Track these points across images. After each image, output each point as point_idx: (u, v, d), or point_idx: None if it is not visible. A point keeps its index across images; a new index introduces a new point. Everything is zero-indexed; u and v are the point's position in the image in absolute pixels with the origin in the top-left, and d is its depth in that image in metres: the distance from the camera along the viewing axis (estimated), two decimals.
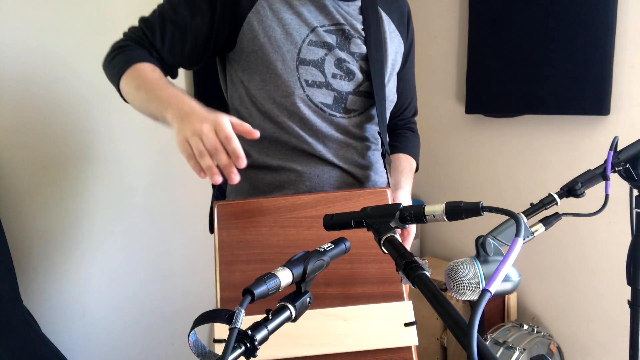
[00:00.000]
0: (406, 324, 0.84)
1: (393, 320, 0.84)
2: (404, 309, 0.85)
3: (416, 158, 1.21)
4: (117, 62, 0.96)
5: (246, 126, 0.81)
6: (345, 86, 1.00)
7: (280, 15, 0.96)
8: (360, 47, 1.02)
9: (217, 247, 0.88)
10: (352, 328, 0.84)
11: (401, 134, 1.23)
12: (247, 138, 0.82)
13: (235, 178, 0.79)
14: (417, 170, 1.22)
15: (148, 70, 0.93)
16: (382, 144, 1.07)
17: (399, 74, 1.13)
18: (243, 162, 0.78)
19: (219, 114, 0.80)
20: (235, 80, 1.03)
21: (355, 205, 0.91)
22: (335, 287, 0.86)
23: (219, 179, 0.79)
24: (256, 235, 0.88)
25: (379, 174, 1.08)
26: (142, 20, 1.02)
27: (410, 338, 0.84)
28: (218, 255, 0.88)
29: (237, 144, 0.78)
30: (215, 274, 0.87)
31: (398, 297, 0.86)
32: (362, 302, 0.86)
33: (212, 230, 0.93)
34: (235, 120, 0.81)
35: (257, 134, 0.82)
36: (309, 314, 0.82)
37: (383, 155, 1.09)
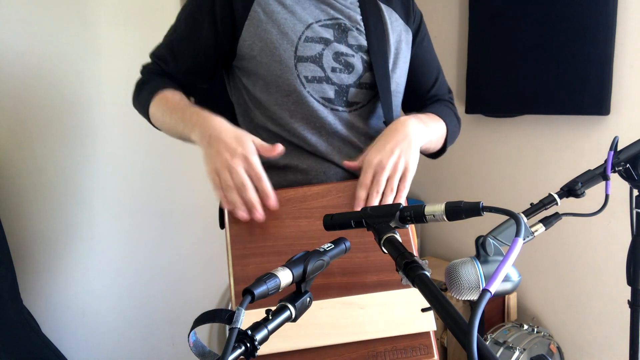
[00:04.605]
0: (423, 310, 0.84)
1: (410, 307, 0.84)
2: (420, 295, 0.85)
3: (443, 118, 1.07)
4: (143, 96, 1.03)
5: (267, 146, 0.88)
6: (346, 79, 1.00)
7: (274, 16, 0.97)
8: (358, 39, 1.02)
9: (229, 241, 0.88)
10: (369, 316, 0.84)
11: (427, 105, 1.16)
12: (274, 155, 0.88)
13: (260, 217, 0.86)
14: (449, 140, 1.09)
15: (169, 96, 0.99)
16: None
17: (413, 54, 1.12)
18: (272, 202, 0.87)
19: (244, 137, 0.87)
20: (240, 87, 1.05)
21: None
22: (351, 276, 0.86)
23: (244, 215, 0.86)
24: (268, 228, 0.88)
25: None
26: (153, 55, 1.09)
27: (427, 323, 0.84)
28: (230, 249, 0.88)
29: (267, 184, 0.85)
30: (228, 268, 0.87)
31: None
32: (378, 289, 0.85)
33: (222, 226, 0.93)
34: (258, 142, 0.88)
35: (279, 147, 0.88)
36: (325, 303, 0.82)
37: None
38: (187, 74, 1.05)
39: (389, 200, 0.89)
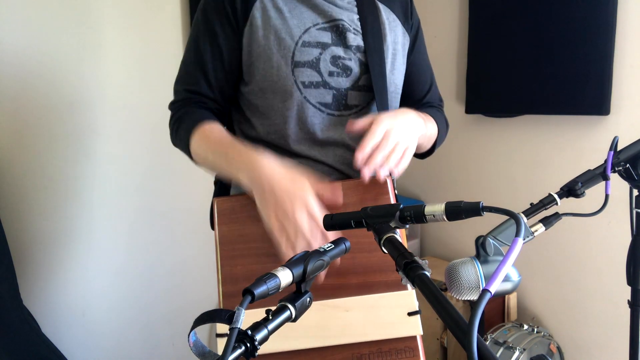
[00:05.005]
0: (410, 313, 0.83)
1: (396, 310, 0.83)
2: (408, 298, 0.84)
3: (436, 120, 1.09)
4: (181, 135, 0.99)
5: (327, 195, 0.85)
6: (344, 82, 1.00)
7: (272, 22, 0.96)
8: (356, 40, 1.01)
9: (218, 242, 0.88)
10: (354, 319, 0.83)
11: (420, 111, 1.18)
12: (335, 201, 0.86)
13: None
14: (438, 141, 1.11)
15: (208, 131, 0.95)
16: None
17: (408, 61, 1.12)
18: None
19: (300, 181, 0.83)
20: (237, 94, 1.04)
21: (356, 194, 0.90)
22: (337, 277, 0.85)
23: None
24: (256, 229, 0.88)
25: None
26: (179, 84, 1.04)
27: (414, 327, 0.83)
28: (219, 250, 0.88)
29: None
30: (216, 268, 0.87)
31: (402, 285, 0.85)
32: (365, 291, 0.85)
33: (213, 227, 0.93)
34: (315, 185, 0.84)
35: (341, 199, 0.87)
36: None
37: None
38: (221, 89, 1.01)
39: (393, 161, 0.87)
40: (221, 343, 0.81)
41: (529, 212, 0.87)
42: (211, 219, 0.99)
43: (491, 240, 0.77)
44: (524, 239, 0.62)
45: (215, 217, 0.90)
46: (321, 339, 0.82)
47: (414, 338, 0.83)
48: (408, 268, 0.59)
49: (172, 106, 1.04)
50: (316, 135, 0.99)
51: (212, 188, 1.13)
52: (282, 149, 1.00)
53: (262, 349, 0.79)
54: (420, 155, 1.15)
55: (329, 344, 0.82)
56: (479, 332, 0.46)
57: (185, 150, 0.99)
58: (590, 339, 1.95)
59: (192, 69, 1.01)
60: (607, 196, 0.93)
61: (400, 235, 0.90)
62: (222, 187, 1.10)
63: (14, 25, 1.62)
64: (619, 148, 0.95)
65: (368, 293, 0.85)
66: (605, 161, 0.93)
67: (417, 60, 1.15)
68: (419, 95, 1.18)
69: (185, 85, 1.02)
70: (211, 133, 0.95)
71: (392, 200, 0.91)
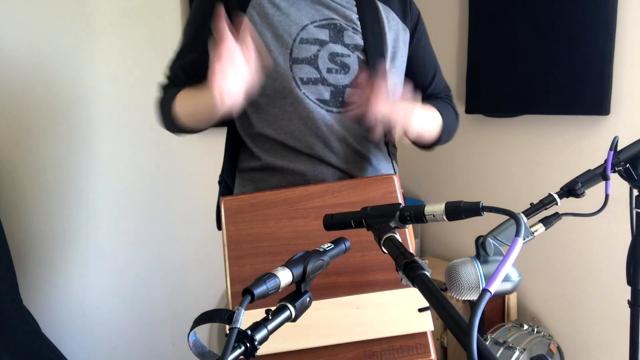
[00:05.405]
0: (420, 310, 0.84)
1: (406, 307, 0.84)
2: (417, 295, 0.85)
3: (440, 111, 1.09)
4: (165, 112, 1.03)
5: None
6: (342, 79, 1.00)
7: (269, 19, 0.97)
8: (354, 39, 1.01)
9: (226, 242, 0.88)
10: (365, 316, 0.83)
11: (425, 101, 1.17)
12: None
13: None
14: (445, 131, 1.10)
15: (182, 93, 1.00)
16: (385, 134, 1.06)
17: (409, 52, 1.11)
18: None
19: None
20: None
21: (362, 193, 0.91)
22: (347, 275, 0.86)
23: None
24: (264, 228, 0.88)
25: (378, 171, 1.08)
26: (167, 76, 1.10)
27: (424, 323, 0.83)
28: (227, 250, 0.88)
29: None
30: (224, 269, 0.87)
31: None
32: (374, 289, 0.85)
33: (219, 227, 0.93)
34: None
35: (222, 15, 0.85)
36: (321, 304, 0.82)
37: (386, 144, 1.09)
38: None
39: (401, 113, 0.92)
40: None
41: (529, 212, 0.87)
42: (218, 219, 0.99)
43: (491, 240, 0.77)
44: (524, 239, 0.62)
45: (223, 216, 0.90)
46: (333, 337, 0.83)
47: (424, 334, 0.84)
48: (408, 268, 0.59)
49: (160, 89, 1.10)
50: (318, 132, 0.99)
51: (215, 188, 1.13)
52: (285, 145, 1.00)
53: (274, 348, 0.80)
54: (426, 147, 1.14)
55: (340, 341, 0.83)
56: (479, 332, 0.46)
57: (170, 120, 1.02)
58: (590, 339, 1.95)
59: (178, 69, 1.06)
60: (607, 196, 0.93)
61: (408, 233, 0.90)
62: (226, 187, 1.10)
63: (14, 25, 1.62)
64: (619, 148, 0.95)
65: (378, 290, 0.85)
66: (605, 161, 0.93)
67: (418, 51, 1.15)
68: (422, 85, 1.17)
69: (172, 79, 1.07)
70: (184, 90, 1.00)
71: (400, 198, 0.92)
